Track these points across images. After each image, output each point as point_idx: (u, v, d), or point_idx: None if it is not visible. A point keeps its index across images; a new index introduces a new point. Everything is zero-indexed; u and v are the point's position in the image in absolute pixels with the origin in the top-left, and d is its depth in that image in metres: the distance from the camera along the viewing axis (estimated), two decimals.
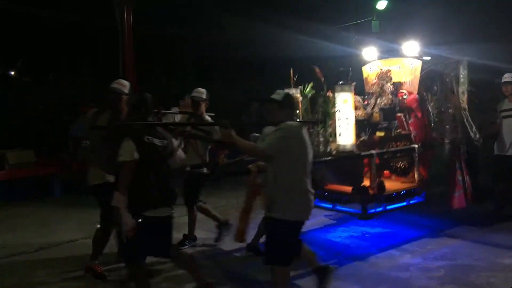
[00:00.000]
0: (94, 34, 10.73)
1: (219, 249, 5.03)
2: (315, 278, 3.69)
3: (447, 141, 5.48)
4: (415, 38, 5.77)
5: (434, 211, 6.32)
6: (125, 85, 4.05)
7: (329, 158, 4.71)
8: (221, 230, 5.06)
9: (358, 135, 5.03)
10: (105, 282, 4.13)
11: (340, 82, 4.81)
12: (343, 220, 5.93)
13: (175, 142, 3.63)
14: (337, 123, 4.75)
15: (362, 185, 4.90)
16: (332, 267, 3.78)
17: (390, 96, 5.57)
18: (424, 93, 5.57)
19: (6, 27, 9.87)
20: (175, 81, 11.85)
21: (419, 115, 5.47)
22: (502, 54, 6.59)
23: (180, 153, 3.62)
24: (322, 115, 4.84)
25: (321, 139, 4.78)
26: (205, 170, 4.84)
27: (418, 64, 5.61)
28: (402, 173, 5.48)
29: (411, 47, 5.65)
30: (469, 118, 5.55)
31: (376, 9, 11.90)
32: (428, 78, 5.70)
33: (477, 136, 5.56)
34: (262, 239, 4.26)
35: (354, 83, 5.02)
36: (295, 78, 4.83)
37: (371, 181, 4.89)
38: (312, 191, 3.38)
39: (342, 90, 4.75)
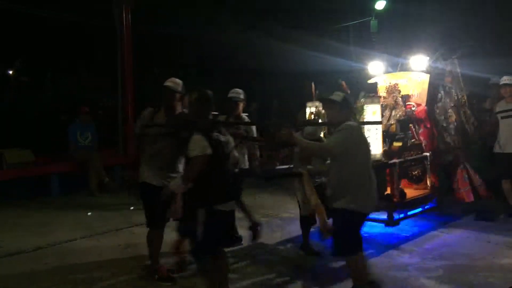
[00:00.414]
0: (92, 34, 10.72)
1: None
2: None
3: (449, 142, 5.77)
4: (423, 52, 6.04)
5: (433, 211, 6.36)
6: (178, 83, 4.12)
7: None
8: (254, 230, 4.93)
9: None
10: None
11: (371, 94, 5.28)
12: None
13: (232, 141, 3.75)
14: (367, 133, 4.88)
15: (386, 193, 5.12)
16: None
17: (403, 108, 5.88)
18: (432, 104, 5.90)
19: (4, 26, 9.85)
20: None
21: (428, 125, 5.84)
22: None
23: (234, 152, 3.76)
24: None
25: None
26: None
27: (426, 77, 5.95)
28: (416, 180, 5.76)
29: (419, 61, 5.93)
30: (467, 117, 5.96)
31: (375, 9, 11.98)
32: (431, 85, 5.95)
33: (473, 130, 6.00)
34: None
35: (381, 96, 5.56)
36: (317, 92, 5.19)
37: (393, 189, 5.16)
38: (374, 184, 3.62)
39: (372, 102, 5.13)
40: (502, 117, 6.00)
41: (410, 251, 4.73)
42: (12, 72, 11.92)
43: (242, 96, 4.93)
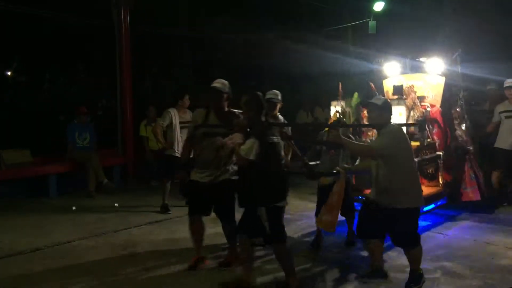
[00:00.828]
0: (91, 34, 10.70)
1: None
2: None
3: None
4: (438, 55, 6.40)
5: (430, 212, 6.36)
6: (225, 84, 4.30)
7: None
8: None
9: None
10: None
11: (396, 97, 5.70)
12: (340, 221, 5.91)
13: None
14: None
15: None
16: None
17: (421, 109, 6.14)
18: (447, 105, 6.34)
19: (2, 27, 9.83)
20: (173, 81, 11.85)
21: (442, 125, 6.21)
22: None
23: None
24: None
25: None
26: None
27: (441, 80, 6.28)
28: (430, 178, 6.10)
29: (435, 64, 6.27)
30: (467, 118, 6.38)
31: (373, 10, 12.00)
32: (447, 88, 6.37)
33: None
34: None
35: (405, 98, 5.92)
36: (343, 92, 5.43)
37: None
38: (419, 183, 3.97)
39: (398, 104, 5.46)
40: (505, 117, 6.47)
41: None
42: (10, 73, 11.88)
43: (279, 97, 5.18)
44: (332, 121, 5.31)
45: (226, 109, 4.30)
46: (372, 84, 6.02)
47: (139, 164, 9.30)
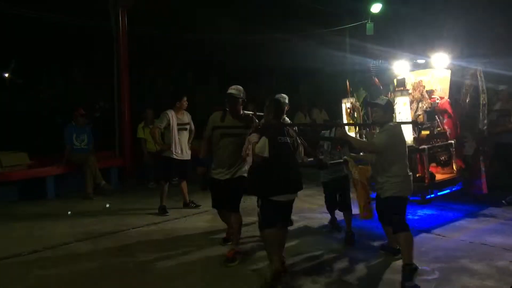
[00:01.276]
0: (88, 36, 10.70)
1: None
2: None
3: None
4: (444, 50, 6.74)
5: (430, 211, 6.37)
6: (240, 90, 4.76)
7: None
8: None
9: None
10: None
11: (401, 88, 6.10)
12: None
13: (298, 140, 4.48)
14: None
15: (418, 175, 5.81)
16: None
17: (429, 101, 6.60)
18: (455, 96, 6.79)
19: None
20: (170, 83, 11.85)
21: (452, 115, 6.58)
22: None
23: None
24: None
25: None
26: None
27: (447, 73, 6.71)
28: (444, 164, 6.44)
29: (440, 58, 6.62)
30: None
31: (370, 12, 12.04)
32: (453, 80, 6.75)
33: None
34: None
35: (409, 90, 6.38)
36: (351, 89, 5.82)
37: (423, 172, 5.89)
38: (410, 173, 4.34)
39: (402, 95, 5.92)
40: None
41: None
42: (7, 74, 11.87)
43: (286, 101, 5.52)
44: (347, 115, 5.82)
45: (241, 112, 4.78)
46: (376, 79, 6.37)
47: (136, 166, 9.29)
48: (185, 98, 6.71)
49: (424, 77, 6.86)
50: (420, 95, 6.65)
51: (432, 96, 6.63)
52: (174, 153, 6.57)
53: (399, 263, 4.46)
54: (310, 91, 14.72)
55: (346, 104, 5.89)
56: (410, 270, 4.00)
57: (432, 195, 5.97)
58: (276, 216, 4.10)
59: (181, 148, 6.65)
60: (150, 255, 4.92)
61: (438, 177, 6.17)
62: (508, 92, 7.11)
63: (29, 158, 8.09)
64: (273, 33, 12.85)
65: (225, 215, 4.92)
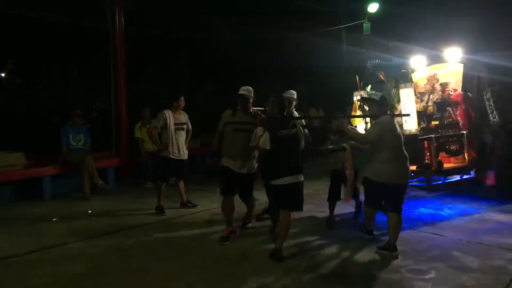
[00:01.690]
0: (85, 36, 10.67)
1: None
2: None
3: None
4: (457, 44, 7.12)
5: (428, 211, 6.39)
6: (250, 90, 5.27)
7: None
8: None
9: (418, 124, 6.42)
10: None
11: (404, 81, 6.46)
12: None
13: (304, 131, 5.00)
14: (403, 112, 6.14)
15: (425, 162, 6.23)
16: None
17: (440, 93, 6.99)
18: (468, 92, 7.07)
19: None
20: (168, 83, 11.82)
21: (464, 107, 6.87)
22: None
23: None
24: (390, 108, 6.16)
25: None
26: None
27: (460, 66, 7.05)
28: (455, 154, 6.78)
29: (454, 53, 6.99)
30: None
31: (367, 12, 12.07)
32: (465, 73, 7.11)
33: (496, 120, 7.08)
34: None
35: (413, 82, 6.74)
36: (362, 83, 6.37)
37: (431, 159, 6.27)
38: (403, 162, 4.62)
39: (406, 87, 6.26)
40: None
41: (403, 253, 4.73)
42: (5, 74, 11.83)
43: (295, 96, 5.73)
44: (355, 107, 6.30)
45: (251, 110, 5.24)
46: (382, 73, 6.76)
47: (134, 166, 9.27)
48: (182, 98, 6.70)
49: (439, 70, 7.24)
50: (431, 88, 7.07)
51: (447, 89, 6.96)
52: (171, 153, 6.56)
53: (396, 262, 4.50)
54: (308, 91, 14.73)
55: (356, 97, 6.40)
56: (365, 229, 5.18)
57: (440, 182, 6.56)
58: (277, 199, 4.79)
59: (178, 147, 6.65)
60: (148, 255, 4.92)
61: (447, 165, 6.50)
62: None
63: (26, 158, 8.05)
64: (271, 34, 12.85)
65: (230, 204, 5.28)
